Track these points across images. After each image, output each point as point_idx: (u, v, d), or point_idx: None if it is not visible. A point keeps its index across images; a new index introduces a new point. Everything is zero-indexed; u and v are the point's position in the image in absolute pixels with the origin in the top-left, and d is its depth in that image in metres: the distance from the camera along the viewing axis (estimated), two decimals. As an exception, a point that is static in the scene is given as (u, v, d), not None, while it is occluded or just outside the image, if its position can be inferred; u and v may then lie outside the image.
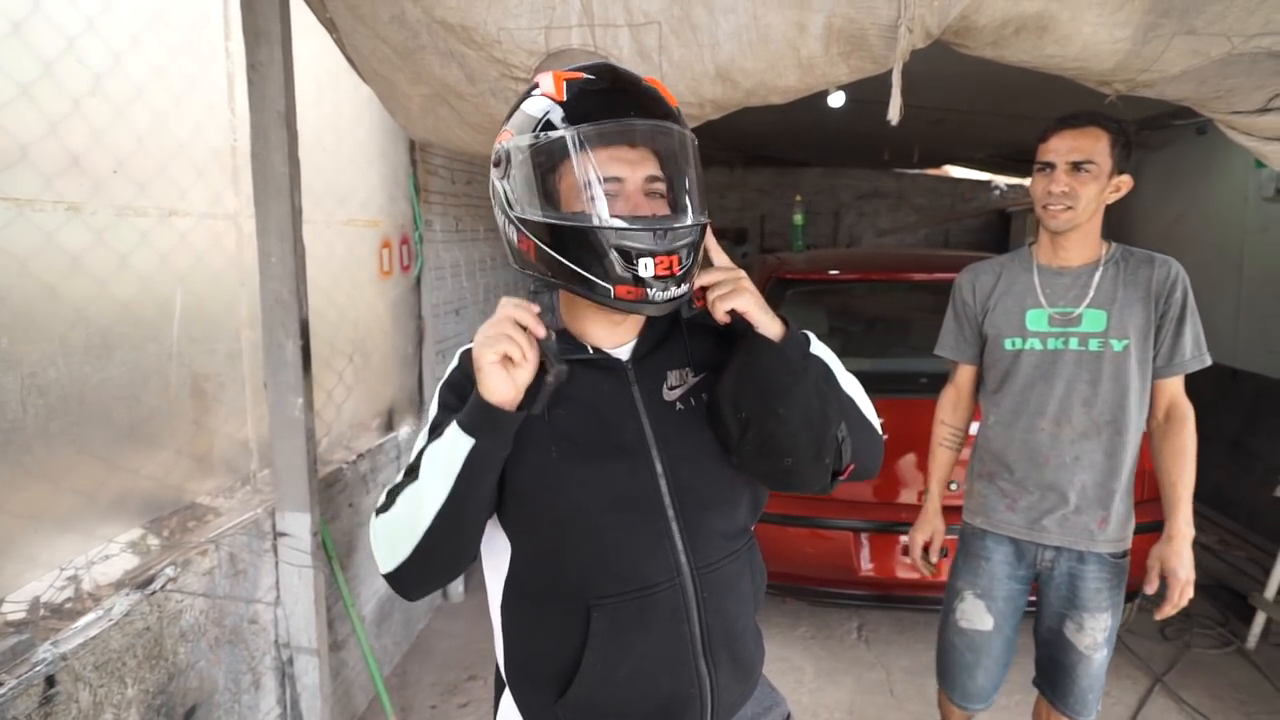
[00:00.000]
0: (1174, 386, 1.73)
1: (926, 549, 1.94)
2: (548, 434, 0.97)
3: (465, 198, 3.62)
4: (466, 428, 0.89)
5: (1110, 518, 1.73)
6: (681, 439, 1.00)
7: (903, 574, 2.74)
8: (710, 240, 0.97)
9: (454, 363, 1.05)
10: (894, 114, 1.73)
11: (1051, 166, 1.67)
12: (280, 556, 2.03)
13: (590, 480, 0.97)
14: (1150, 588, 1.70)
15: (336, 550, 2.31)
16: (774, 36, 1.77)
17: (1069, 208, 1.65)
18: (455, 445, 0.90)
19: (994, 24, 1.69)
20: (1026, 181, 9.47)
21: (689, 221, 0.93)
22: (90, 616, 1.46)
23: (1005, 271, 1.81)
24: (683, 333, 1.05)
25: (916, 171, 9.50)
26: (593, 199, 0.91)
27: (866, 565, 2.75)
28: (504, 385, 0.87)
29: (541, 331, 0.89)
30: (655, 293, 0.91)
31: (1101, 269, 1.71)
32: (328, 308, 2.46)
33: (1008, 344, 1.77)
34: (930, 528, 1.94)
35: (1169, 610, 1.68)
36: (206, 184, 1.93)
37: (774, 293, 3.09)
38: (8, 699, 1.24)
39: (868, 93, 2.23)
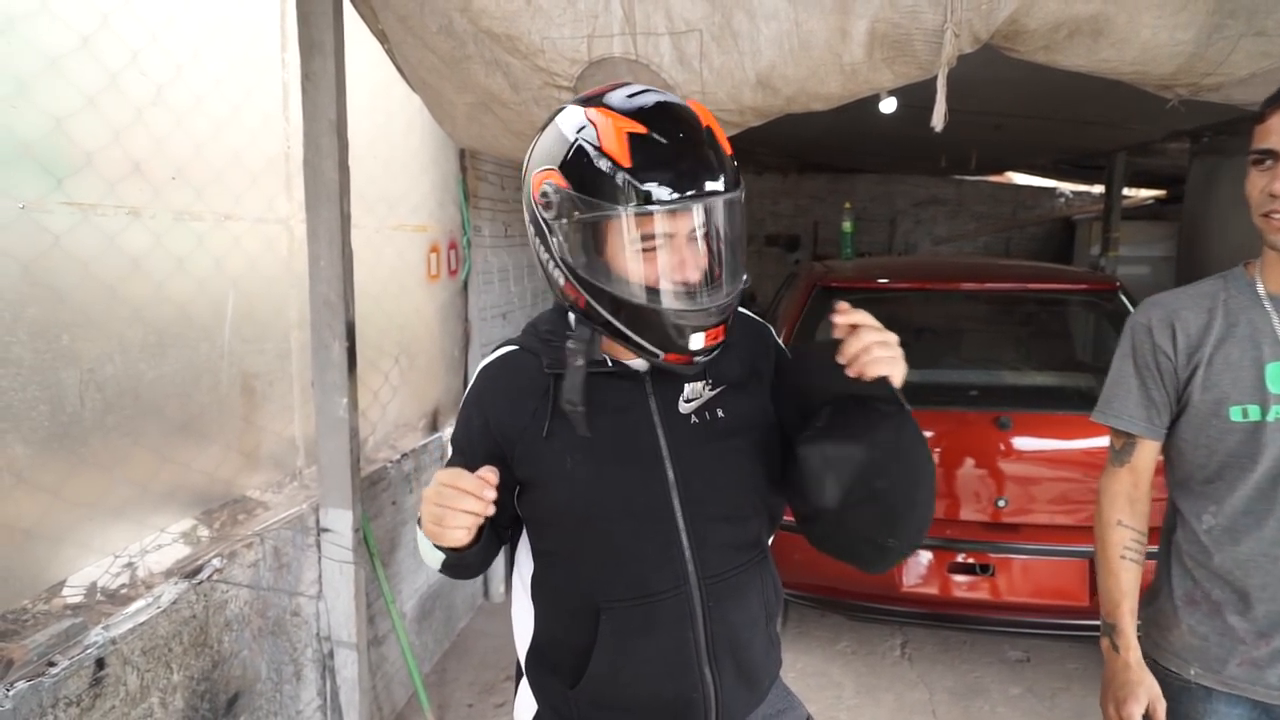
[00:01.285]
0: None
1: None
2: (563, 444, 1.00)
3: (515, 203, 3.67)
4: (437, 546, 0.97)
5: None
6: (696, 451, 1.01)
7: (947, 593, 2.66)
8: (853, 313, 0.93)
9: (474, 379, 1.08)
10: (938, 120, 1.69)
11: (1275, 156, 1.18)
12: (323, 551, 2.09)
13: (603, 488, 0.99)
14: None
15: (379, 547, 2.36)
16: (816, 43, 1.74)
17: None
18: (431, 552, 1.00)
19: (1045, 28, 1.64)
20: (1094, 189, 9.16)
21: (732, 290, 0.95)
22: (140, 603, 1.53)
23: (1221, 307, 1.28)
24: None
25: (977, 178, 9.26)
26: (659, 285, 0.92)
27: (909, 582, 2.68)
28: (459, 539, 0.91)
29: (490, 501, 0.88)
30: (701, 358, 0.96)
31: None
32: (375, 311, 2.52)
33: (1235, 414, 1.25)
34: (1145, 690, 1.32)
35: None
36: (260, 190, 2.00)
37: (818, 301, 3.04)
38: (60, 679, 1.30)
39: (920, 98, 2.18)
